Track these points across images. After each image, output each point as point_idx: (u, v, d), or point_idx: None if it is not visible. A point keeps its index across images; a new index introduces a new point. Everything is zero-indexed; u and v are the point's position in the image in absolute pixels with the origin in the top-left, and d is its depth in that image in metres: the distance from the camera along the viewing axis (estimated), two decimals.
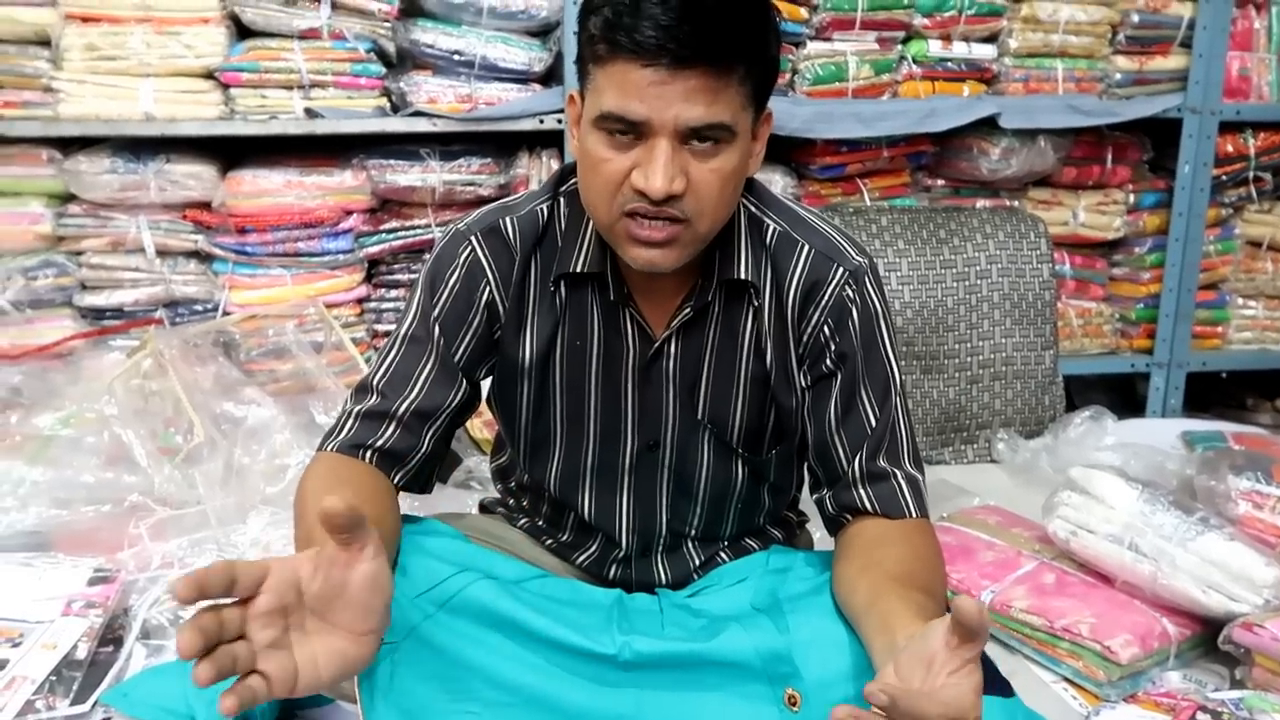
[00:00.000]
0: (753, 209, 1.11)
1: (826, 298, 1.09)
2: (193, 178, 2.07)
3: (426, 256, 1.14)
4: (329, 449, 1.07)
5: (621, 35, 0.90)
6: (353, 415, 1.08)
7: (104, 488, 1.64)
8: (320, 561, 0.78)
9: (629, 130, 0.94)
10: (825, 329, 1.09)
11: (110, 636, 1.33)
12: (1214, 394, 2.63)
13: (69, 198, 2.10)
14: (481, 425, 1.95)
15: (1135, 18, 2.29)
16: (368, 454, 1.07)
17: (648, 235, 0.96)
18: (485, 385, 1.18)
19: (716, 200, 0.97)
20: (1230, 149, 2.38)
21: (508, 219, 1.10)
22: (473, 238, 1.09)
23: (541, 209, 1.10)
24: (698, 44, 0.90)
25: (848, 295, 1.09)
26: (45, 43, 2.01)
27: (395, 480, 1.09)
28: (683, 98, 0.91)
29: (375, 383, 1.09)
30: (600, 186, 0.97)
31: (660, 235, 0.96)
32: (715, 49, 0.91)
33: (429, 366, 1.09)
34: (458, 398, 1.11)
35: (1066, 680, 1.34)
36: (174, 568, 1.46)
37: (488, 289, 1.09)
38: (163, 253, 2.12)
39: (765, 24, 0.96)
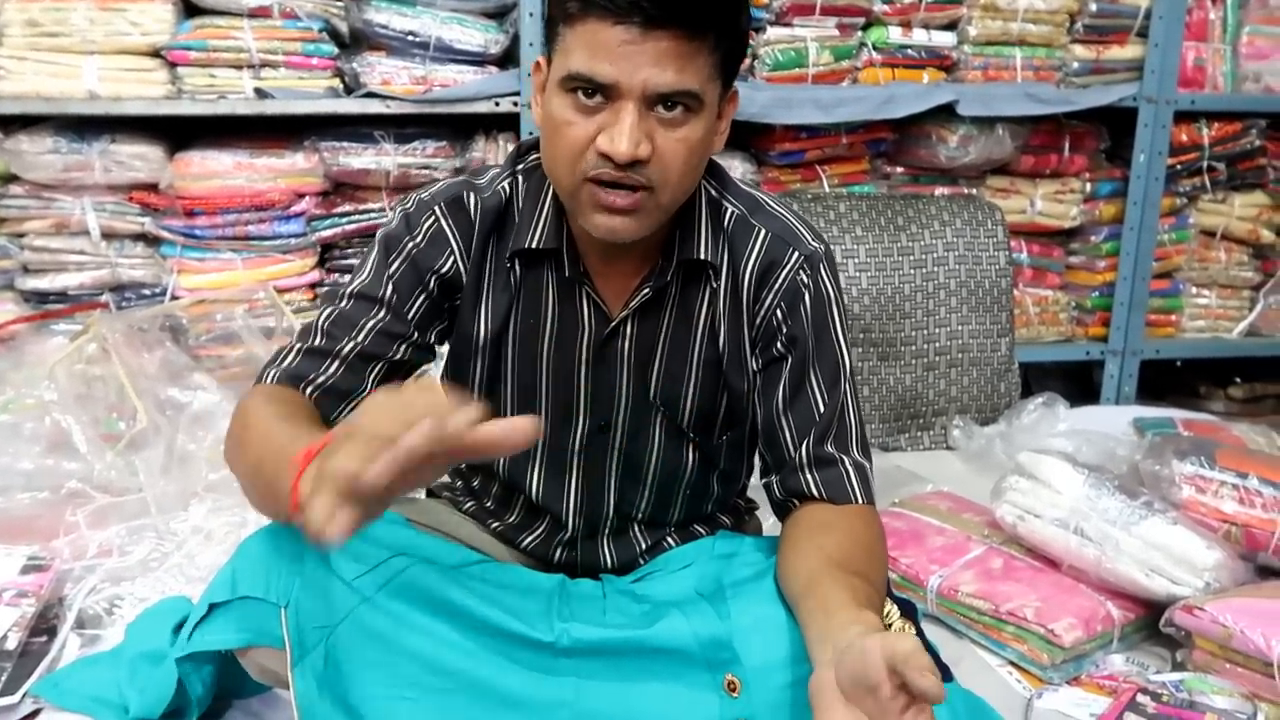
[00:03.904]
0: (712, 191, 1.10)
1: (780, 281, 1.08)
2: (139, 159, 2.03)
3: (386, 221, 1.12)
4: (268, 379, 1.04)
5: None
6: (295, 350, 1.06)
7: (42, 475, 1.61)
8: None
9: (596, 93, 0.93)
10: (778, 313, 1.09)
11: (44, 626, 1.30)
12: (1168, 381, 2.66)
13: (10, 178, 2.05)
14: None
15: (1093, 7, 2.30)
16: (308, 389, 1.04)
17: (611, 202, 0.95)
18: (442, 352, 1.15)
19: (682, 170, 0.96)
20: (1185, 139, 2.41)
21: (472, 195, 1.08)
22: (437, 208, 1.08)
23: (503, 186, 1.09)
24: (671, 5, 0.89)
25: (802, 280, 1.08)
26: None
27: (334, 419, 1.05)
28: (653, 60, 0.90)
29: (321, 324, 1.07)
30: (564, 149, 0.95)
31: (624, 203, 0.95)
32: (688, 12, 0.90)
33: (377, 318, 1.06)
34: (404, 350, 1.08)
35: (1011, 664, 1.35)
36: (111, 556, 1.43)
37: (451, 258, 1.07)
38: (108, 235, 2.07)
39: None
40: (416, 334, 1.08)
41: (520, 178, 1.09)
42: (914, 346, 2.17)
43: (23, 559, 1.39)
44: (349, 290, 1.08)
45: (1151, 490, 1.49)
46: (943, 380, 2.19)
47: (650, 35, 0.90)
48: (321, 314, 1.08)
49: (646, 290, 1.07)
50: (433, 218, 1.08)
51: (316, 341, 1.06)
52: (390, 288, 1.07)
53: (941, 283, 2.18)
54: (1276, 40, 2.43)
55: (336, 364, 1.05)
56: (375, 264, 1.08)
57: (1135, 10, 2.32)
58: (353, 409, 1.05)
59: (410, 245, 1.07)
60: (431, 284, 1.08)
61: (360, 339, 1.06)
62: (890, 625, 1.02)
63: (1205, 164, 2.44)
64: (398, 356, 1.08)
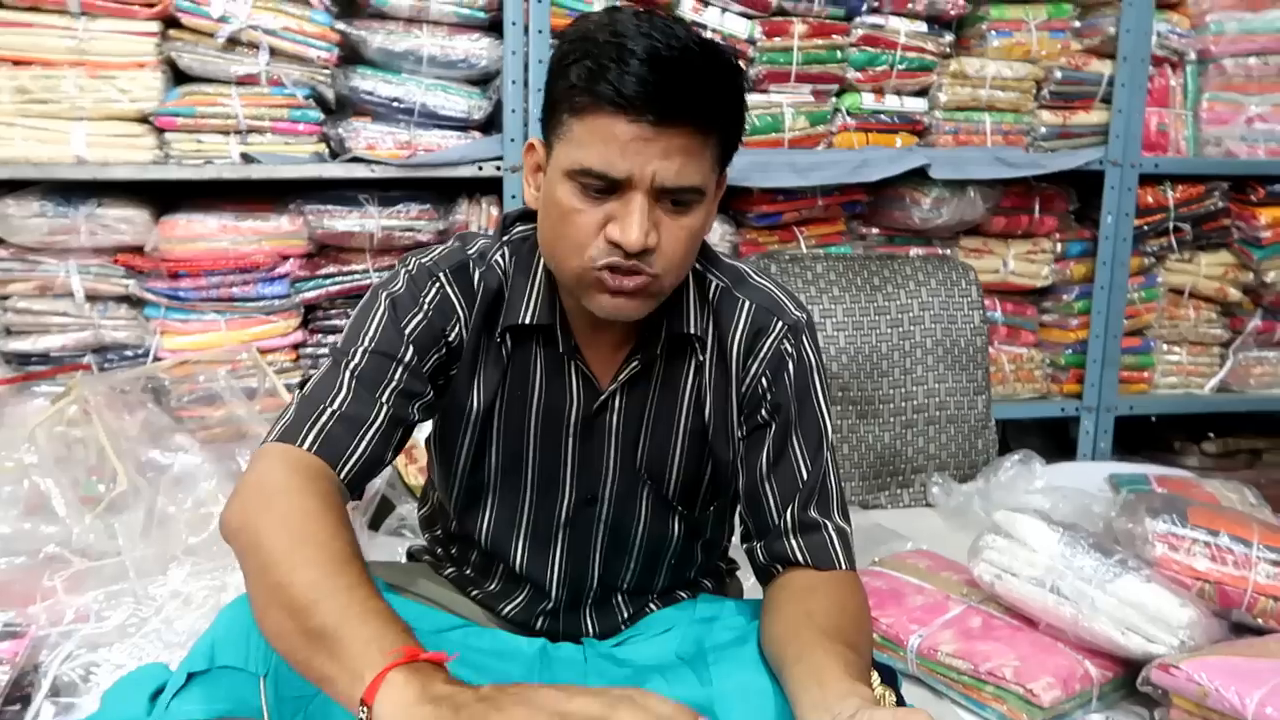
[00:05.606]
0: (697, 266, 1.12)
1: (765, 350, 1.11)
2: (125, 222, 2.05)
3: (381, 289, 1.08)
4: (302, 444, 0.97)
5: (606, 87, 0.91)
6: (327, 415, 0.99)
7: (20, 539, 1.59)
8: None
9: (605, 184, 0.94)
10: (763, 380, 1.11)
11: (18, 694, 1.28)
12: (1143, 437, 2.69)
13: None
14: (416, 472, 1.93)
15: (1058, 74, 2.38)
16: (343, 468, 0.99)
17: (618, 285, 0.97)
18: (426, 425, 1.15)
19: (682, 258, 0.99)
20: (1151, 200, 2.47)
21: (476, 268, 1.08)
22: (442, 275, 1.07)
23: (498, 260, 1.09)
24: (683, 103, 0.91)
25: (785, 349, 1.11)
26: None
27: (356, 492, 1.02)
28: (662, 155, 0.92)
29: (347, 380, 1.01)
30: (572, 238, 0.97)
31: (631, 284, 0.97)
32: (698, 110, 0.93)
33: (399, 378, 1.03)
34: (417, 413, 1.06)
35: None
36: (88, 621, 1.41)
37: (456, 327, 1.07)
38: (92, 297, 2.08)
39: (741, 89, 0.98)
40: (431, 394, 1.06)
41: (507, 250, 1.10)
42: (892, 404, 2.20)
43: None
44: (363, 348, 1.03)
45: (1126, 548, 1.51)
46: (921, 438, 2.22)
47: (663, 132, 0.91)
48: (344, 367, 1.02)
49: (635, 363, 1.08)
50: (438, 285, 1.07)
51: (346, 400, 1.00)
52: (411, 349, 1.04)
53: (918, 341, 2.22)
54: (1234, 106, 2.52)
55: (372, 432, 1.01)
56: (385, 323, 1.05)
57: (1099, 77, 2.40)
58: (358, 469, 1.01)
59: (419, 312, 1.05)
60: (443, 349, 1.07)
61: (387, 400, 1.02)
62: (873, 691, 1.03)
63: (1171, 224, 2.50)
64: (413, 419, 1.06)
